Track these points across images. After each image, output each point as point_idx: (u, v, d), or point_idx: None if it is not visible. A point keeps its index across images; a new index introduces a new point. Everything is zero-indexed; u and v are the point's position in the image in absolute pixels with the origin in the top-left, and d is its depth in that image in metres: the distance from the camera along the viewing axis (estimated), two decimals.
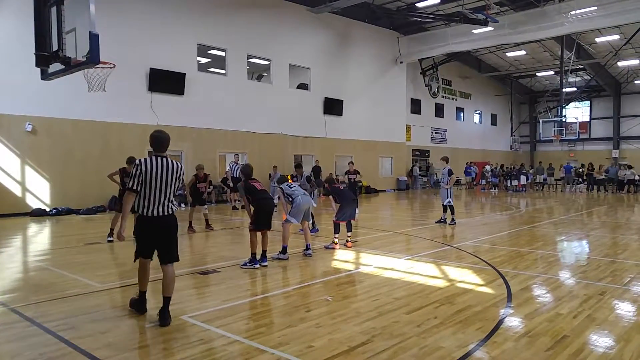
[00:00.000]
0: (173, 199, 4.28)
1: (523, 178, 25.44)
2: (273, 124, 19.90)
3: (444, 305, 4.57)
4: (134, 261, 4.30)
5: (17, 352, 3.54)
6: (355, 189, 12.34)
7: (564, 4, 20.44)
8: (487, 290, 5.20)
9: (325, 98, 22.08)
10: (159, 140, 4.25)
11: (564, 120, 28.57)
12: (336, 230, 7.80)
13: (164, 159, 4.20)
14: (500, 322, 4.11)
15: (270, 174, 18.04)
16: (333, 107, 22.33)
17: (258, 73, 23.31)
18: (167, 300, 4.14)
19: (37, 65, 6.13)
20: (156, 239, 4.18)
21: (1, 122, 13.23)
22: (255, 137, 19.19)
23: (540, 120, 30.56)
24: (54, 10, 5.91)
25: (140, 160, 4.14)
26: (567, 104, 33.56)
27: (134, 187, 4.07)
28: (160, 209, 4.14)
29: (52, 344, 3.67)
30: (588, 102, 37.48)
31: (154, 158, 4.16)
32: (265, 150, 19.42)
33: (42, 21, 5.93)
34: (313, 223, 9.21)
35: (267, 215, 6.47)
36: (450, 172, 10.91)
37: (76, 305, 4.68)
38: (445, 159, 11.20)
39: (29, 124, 13.63)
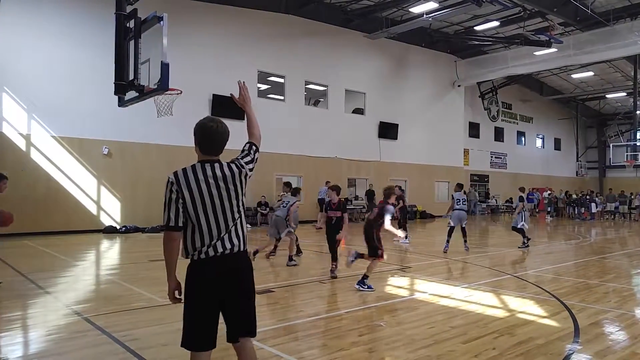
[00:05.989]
0: (241, 220, 2.60)
1: (593, 206, 23.72)
2: (328, 148, 20.24)
3: (503, 336, 4.35)
4: (182, 346, 2.50)
5: (89, 359, 3.85)
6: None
7: (637, 21, 19.25)
8: (551, 322, 4.88)
9: (380, 122, 22.15)
10: (211, 134, 2.59)
11: (638, 144, 26.46)
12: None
13: (215, 165, 2.58)
14: (567, 358, 3.84)
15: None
16: (388, 131, 22.32)
17: (315, 98, 23.94)
18: None
19: (115, 93, 6.76)
20: (219, 298, 2.50)
21: (83, 145, 14.59)
22: (311, 161, 19.57)
23: (611, 145, 28.52)
24: (131, 43, 6.57)
25: (173, 175, 2.55)
26: None
27: (172, 224, 2.48)
28: (219, 244, 2.49)
29: (119, 352, 3.94)
30: None
31: (197, 166, 2.57)
32: (320, 173, 19.70)
33: (121, 54, 6.59)
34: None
35: None
36: (521, 199, 11.88)
37: (141, 318, 5.00)
38: (521, 189, 12.17)
39: (105, 147, 14.94)
